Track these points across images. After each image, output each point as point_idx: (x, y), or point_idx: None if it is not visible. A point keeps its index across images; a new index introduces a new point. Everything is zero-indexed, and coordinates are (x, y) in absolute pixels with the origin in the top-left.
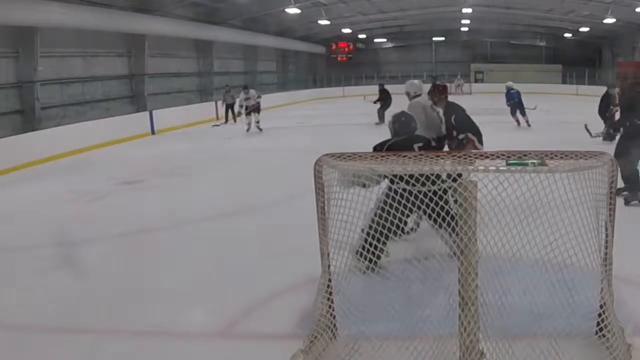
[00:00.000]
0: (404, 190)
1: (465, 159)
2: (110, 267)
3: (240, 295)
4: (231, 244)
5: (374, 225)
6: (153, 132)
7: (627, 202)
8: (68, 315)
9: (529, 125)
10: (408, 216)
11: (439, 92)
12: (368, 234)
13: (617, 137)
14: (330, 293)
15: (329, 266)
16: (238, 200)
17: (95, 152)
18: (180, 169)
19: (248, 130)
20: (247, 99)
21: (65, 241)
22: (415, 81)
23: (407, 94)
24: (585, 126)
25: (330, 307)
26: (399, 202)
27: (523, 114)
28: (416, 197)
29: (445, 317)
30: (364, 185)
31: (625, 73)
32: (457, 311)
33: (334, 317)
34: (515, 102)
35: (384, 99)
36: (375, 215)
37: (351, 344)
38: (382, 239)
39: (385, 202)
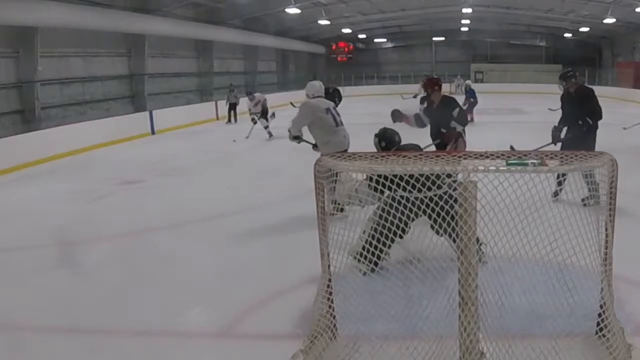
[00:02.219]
0: (403, 196)
1: (465, 159)
2: (110, 267)
3: (240, 295)
4: (231, 244)
5: (376, 226)
6: (153, 132)
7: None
8: (68, 315)
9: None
10: (413, 220)
11: (432, 84)
12: (371, 235)
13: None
14: (330, 293)
15: (329, 266)
16: (238, 200)
17: (95, 152)
18: (180, 169)
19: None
20: (255, 104)
21: (65, 241)
22: (316, 83)
23: (307, 95)
24: (511, 147)
25: (330, 307)
26: (401, 205)
27: (471, 111)
28: (421, 201)
29: (445, 317)
30: (360, 201)
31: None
32: (457, 311)
33: (334, 317)
34: (475, 101)
35: None
36: (376, 215)
37: (351, 344)
38: (383, 239)
39: (385, 204)
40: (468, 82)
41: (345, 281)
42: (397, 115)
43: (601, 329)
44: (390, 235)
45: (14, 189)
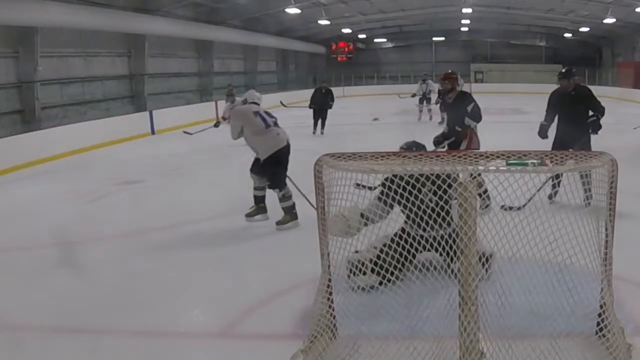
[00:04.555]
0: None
1: (466, 159)
2: (110, 267)
3: (240, 295)
4: (231, 244)
5: (390, 243)
6: (153, 132)
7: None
8: (68, 315)
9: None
10: (414, 256)
11: (455, 80)
12: (384, 251)
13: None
14: (330, 293)
15: (328, 266)
16: (238, 200)
17: (95, 152)
18: (180, 169)
19: None
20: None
21: (65, 241)
22: (255, 92)
23: (244, 101)
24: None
25: (330, 307)
26: (407, 242)
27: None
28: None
29: (445, 317)
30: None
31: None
32: (457, 311)
33: (334, 317)
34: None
35: None
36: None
37: (351, 344)
38: (397, 256)
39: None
40: None
41: (345, 281)
42: (439, 141)
43: (601, 329)
44: (405, 254)
45: (14, 189)
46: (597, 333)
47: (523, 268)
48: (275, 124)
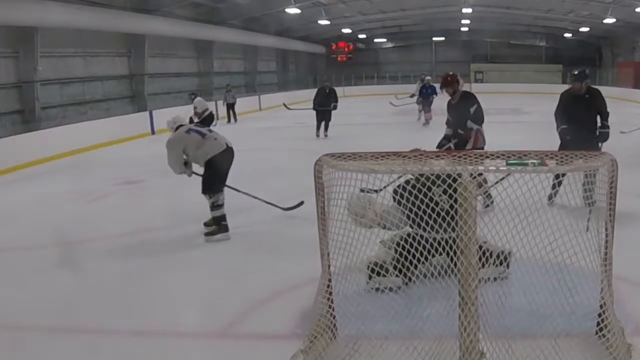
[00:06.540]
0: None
1: (466, 159)
2: (110, 267)
3: (240, 295)
4: (231, 243)
5: (408, 243)
6: (153, 132)
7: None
8: (68, 315)
9: (427, 123)
10: (426, 258)
11: (456, 82)
12: (401, 246)
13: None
14: (330, 293)
15: (329, 266)
16: (237, 200)
17: (95, 152)
18: None
19: None
20: (197, 114)
21: (65, 241)
22: (171, 119)
23: (171, 128)
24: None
25: (330, 307)
26: (419, 243)
27: (428, 111)
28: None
29: (445, 317)
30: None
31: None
32: (457, 311)
33: (334, 317)
34: (432, 99)
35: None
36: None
37: (351, 344)
38: (416, 254)
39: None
40: (428, 77)
41: (345, 281)
42: (443, 144)
43: (601, 329)
44: (425, 253)
45: (14, 189)
46: (597, 333)
47: (523, 268)
48: (210, 131)
